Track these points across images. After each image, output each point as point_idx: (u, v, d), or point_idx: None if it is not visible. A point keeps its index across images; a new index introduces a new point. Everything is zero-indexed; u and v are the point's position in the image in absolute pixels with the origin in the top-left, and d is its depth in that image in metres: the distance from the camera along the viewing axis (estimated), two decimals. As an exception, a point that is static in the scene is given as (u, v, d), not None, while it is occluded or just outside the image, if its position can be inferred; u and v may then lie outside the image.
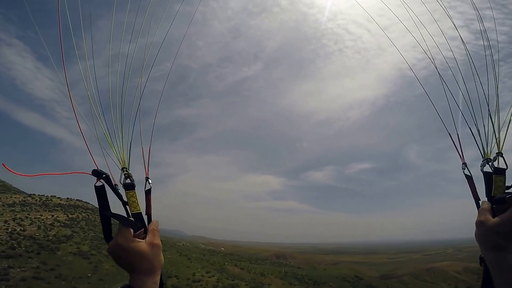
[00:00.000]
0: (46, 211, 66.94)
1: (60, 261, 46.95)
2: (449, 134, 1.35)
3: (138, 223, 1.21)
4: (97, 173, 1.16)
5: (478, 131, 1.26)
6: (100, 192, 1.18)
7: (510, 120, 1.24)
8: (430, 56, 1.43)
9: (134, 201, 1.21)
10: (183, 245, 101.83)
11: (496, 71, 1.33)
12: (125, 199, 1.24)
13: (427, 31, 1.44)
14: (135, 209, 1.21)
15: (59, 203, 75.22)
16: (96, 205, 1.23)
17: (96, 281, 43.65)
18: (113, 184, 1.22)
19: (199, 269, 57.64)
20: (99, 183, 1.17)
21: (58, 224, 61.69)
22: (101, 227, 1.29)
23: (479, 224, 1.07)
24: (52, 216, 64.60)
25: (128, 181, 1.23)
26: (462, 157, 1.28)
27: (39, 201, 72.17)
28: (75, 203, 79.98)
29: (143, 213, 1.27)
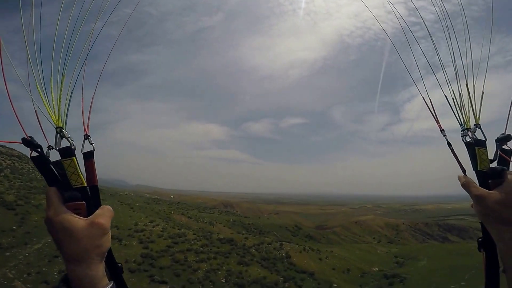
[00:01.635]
0: None
1: None
2: (425, 101, 1.29)
3: (76, 192, 0.89)
4: (28, 143, 0.87)
5: (454, 99, 1.23)
6: (39, 163, 0.89)
7: (483, 92, 1.22)
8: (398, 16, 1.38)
9: (74, 172, 0.89)
10: (126, 194, 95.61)
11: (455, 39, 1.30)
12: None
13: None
14: (76, 182, 0.89)
15: None
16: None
17: (22, 234, 37.05)
18: (48, 156, 0.91)
19: (142, 218, 53.82)
20: (34, 153, 0.88)
21: None
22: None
23: (479, 198, 0.98)
24: None
25: (66, 144, 0.91)
26: (438, 123, 1.24)
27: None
28: None
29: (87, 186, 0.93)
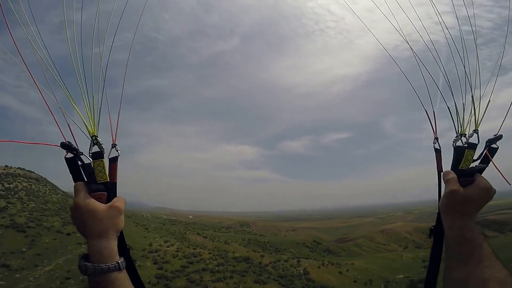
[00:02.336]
0: None
1: None
2: (425, 110, 1.40)
3: (100, 185, 1.11)
4: (66, 147, 1.09)
5: (457, 108, 1.31)
6: (71, 164, 1.12)
7: (489, 100, 1.30)
8: (405, 38, 1.53)
9: (101, 171, 1.12)
10: (143, 216, 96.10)
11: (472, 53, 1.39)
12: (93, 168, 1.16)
13: (412, 14, 1.53)
14: (101, 179, 1.12)
15: None
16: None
17: (32, 256, 37.46)
18: (80, 157, 1.14)
19: (156, 239, 53.56)
20: (69, 155, 1.11)
21: None
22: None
23: (452, 193, 1.13)
24: None
25: (97, 149, 1.15)
26: (435, 132, 1.34)
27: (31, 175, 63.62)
28: (15, 171, 71.08)
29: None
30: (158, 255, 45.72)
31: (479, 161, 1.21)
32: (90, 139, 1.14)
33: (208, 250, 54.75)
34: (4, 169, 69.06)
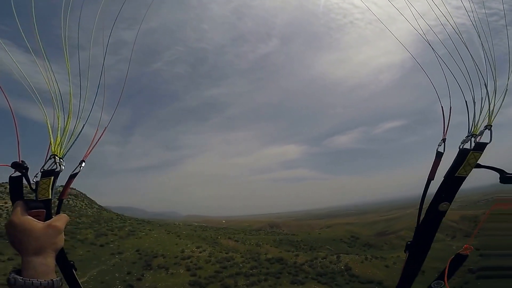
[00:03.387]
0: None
1: None
2: (442, 106, 1.32)
3: (39, 203, 1.10)
4: (17, 166, 1.07)
5: (474, 102, 1.22)
6: (14, 183, 1.09)
7: (506, 89, 1.23)
8: (421, 31, 1.52)
9: (45, 188, 1.11)
10: (175, 224, 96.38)
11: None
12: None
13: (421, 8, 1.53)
14: (43, 196, 1.11)
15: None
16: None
17: None
18: (32, 178, 1.13)
19: (188, 245, 52.20)
20: (16, 174, 1.09)
21: None
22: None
23: None
24: None
25: (54, 167, 1.14)
26: (444, 132, 1.25)
27: (5, 190, 65.29)
28: (56, 189, 73.41)
29: (57, 198, 1.21)
30: (191, 262, 44.19)
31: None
32: (49, 157, 1.12)
33: (240, 253, 52.52)
34: None
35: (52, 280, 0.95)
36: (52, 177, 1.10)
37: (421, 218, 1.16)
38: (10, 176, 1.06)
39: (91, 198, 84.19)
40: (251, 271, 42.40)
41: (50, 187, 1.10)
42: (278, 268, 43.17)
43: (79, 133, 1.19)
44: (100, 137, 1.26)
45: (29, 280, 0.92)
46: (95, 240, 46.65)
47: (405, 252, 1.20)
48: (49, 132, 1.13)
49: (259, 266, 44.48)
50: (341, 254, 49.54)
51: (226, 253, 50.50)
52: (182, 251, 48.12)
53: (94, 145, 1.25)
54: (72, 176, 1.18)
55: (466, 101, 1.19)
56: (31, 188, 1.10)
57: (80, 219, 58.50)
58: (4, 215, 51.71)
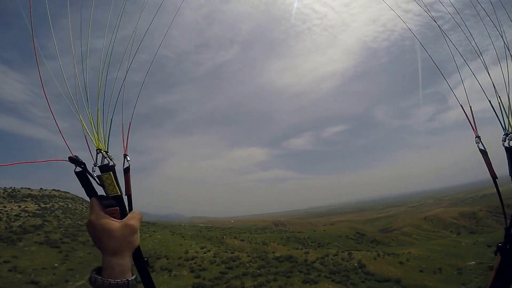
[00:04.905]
0: (11, 202, 58.57)
1: (21, 252, 37.12)
2: (461, 106, 1.28)
3: (112, 200, 1.11)
4: (74, 161, 1.08)
5: (500, 103, 1.20)
6: (81, 177, 1.10)
7: None
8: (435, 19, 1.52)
9: (111, 184, 1.11)
10: (180, 225, 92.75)
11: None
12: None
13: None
14: (112, 192, 1.11)
15: (29, 193, 66.26)
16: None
17: (64, 272, 34.19)
18: (92, 170, 1.13)
19: (192, 246, 48.78)
20: (78, 169, 1.09)
21: (26, 214, 53.23)
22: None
23: None
24: (19, 207, 56.33)
25: (106, 162, 1.15)
26: (475, 130, 1.19)
27: (4, 193, 63.02)
28: (50, 193, 71.91)
29: (124, 195, 1.18)
30: (195, 263, 40.83)
31: None
32: (96, 153, 1.13)
33: (247, 252, 49.09)
34: (39, 191, 69.76)
35: (127, 280, 0.99)
36: (111, 172, 1.10)
37: (508, 220, 1.09)
38: (75, 171, 1.07)
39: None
40: (258, 271, 39.01)
41: (115, 182, 1.09)
42: (288, 267, 39.75)
43: (110, 126, 1.22)
44: (128, 132, 1.31)
45: (107, 280, 0.97)
46: (96, 242, 43.63)
47: (495, 254, 1.10)
48: (88, 128, 1.17)
49: (267, 265, 41.08)
50: (352, 251, 46.10)
51: (232, 253, 47.10)
52: (186, 252, 44.74)
53: (127, 140, 1.28)
54: (126, 170, 1.19)
55: (500, 100, 1.15)
56: (97, 183, 1.09)
57: (82, 222, 55.36)
58: (5, 218, 48.95)
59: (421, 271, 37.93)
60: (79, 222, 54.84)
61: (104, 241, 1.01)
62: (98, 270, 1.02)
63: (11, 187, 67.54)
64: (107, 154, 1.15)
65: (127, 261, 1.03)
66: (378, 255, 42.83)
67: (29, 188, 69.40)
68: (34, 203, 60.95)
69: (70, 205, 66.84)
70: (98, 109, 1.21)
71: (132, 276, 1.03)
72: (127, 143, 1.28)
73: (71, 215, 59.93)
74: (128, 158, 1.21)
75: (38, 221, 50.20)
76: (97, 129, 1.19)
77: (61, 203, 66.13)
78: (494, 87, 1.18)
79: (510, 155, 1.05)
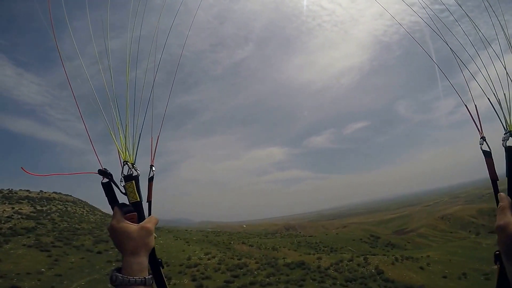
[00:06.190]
0: (5, 204, 56.82)
1: (5, 255, 34.46)
2: (466, 105, 1.23)
3: (131, 207, 1.21)
4: (102, 173, 1.20)
5: (498, 100, 1.16)
6: (107, 188, 1.22)
7: None
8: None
9: (132, 191, 1.23)
10: (186, 230, 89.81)
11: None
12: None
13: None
14: (132, 199, 1.23)
15: (27, 195, 64.64)
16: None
17: (51, 277, 31.20)
18: (120, 181, 1.25)
19: (196, 251, 45.54)
20: (105, 180, 1.21)
21: (18, 216, 51.21)
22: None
23: (499, 229, 0.96)
24: (13, 208, 54.44)
25: (131, 172, 1.26)
26: (480, 131, 1.14)
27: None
28: (49, 195, 70.21)
29: (144, 201, 1.27)
30: (197, 270, 37.54)
31: None
32: (123, 165, 1.24)
33: (255, 259, 45.44)
34: (38, 194, 67.96)
35: (144, 277, 1.09)
36: (133, 181, 1.21)
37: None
38: (102, 182, 1.18)
39: (94, 205, 79.80)
40: (267, 279, 35.43)
41: (136, 190, 1.21)
42: (300, 274, 36.01)
43: (139, 139, 1.29)
44: (157, 142, 1.37)
45: (126, 277, 1.06)
46: (92, 247, 40.75)
47: (495, 263, 1.03)
48: (117, 141, 1.27)
49: (277, 272, 37.45)
50: (368, 256, 41.96)
51: (239, 259, 43.61)
52: (189, 259, 41.53)
53: (155, 150, 1.35)
54: (151, 179, 1.28)
55: (498, 99, 1.11)
56: (121, 192, 1.21)
57: (79, 225, 53.09)
58: (3, 221, 47.02)
59: (444, 276, 33.68)
60: (76, 226, 52.57)
61: (123, 243, 1.11)
62: (118, 270, 1.10)
63: (8, 189, 65.80)
64: (133, 166, 1.24)
65: (144, 260, 1.12)
66: (396, 259, 38.62)
67: (27, 190, 67.60)
68: (30, 205, 59.16)
69: (69, 208, 65.08)
70: (127, 125, 1.28)
71: (149, 275, 1.11)
72: (154, 154, 1.34)
73: (68, 219, 57.68)
74: (154, 169, 1.29)
75: (31, 224, 48.06)
76: (125, 140, 1.27)
77: (59, 206, 64.26)
78: (493, 87, 1.13)
79: (508, 155, 0.99)
